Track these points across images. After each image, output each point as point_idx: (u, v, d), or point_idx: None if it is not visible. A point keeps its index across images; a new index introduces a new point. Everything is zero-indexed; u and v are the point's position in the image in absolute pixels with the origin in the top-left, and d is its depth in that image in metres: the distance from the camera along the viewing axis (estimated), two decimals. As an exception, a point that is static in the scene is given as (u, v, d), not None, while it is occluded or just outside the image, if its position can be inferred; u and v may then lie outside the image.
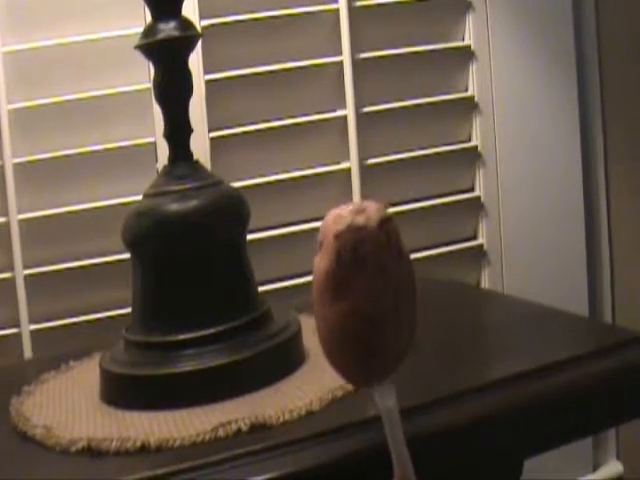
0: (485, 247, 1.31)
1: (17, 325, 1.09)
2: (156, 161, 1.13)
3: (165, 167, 0.84)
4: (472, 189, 1.31)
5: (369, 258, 0.59)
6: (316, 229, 1.17)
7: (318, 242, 0.61)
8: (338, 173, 1.22)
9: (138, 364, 0.79)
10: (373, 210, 0.60)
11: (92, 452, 0.70)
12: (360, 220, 0.59)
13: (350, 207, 0.60)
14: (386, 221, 0.60)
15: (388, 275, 0.60)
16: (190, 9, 1.09)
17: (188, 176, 0.82)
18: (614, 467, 1.40)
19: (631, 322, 1.35)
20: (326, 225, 0.60)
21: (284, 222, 1.20)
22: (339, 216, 0.60)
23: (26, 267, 1.09)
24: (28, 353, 1.09)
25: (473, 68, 1.28)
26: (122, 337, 0.83)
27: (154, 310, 0.81)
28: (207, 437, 0.69)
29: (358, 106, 1.22)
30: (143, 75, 1.10)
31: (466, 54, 1.28)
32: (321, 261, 0.60)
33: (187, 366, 0.77)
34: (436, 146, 1.28)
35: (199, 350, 0.78)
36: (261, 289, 0.88)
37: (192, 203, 0.80)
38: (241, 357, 0.78)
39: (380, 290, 0.59)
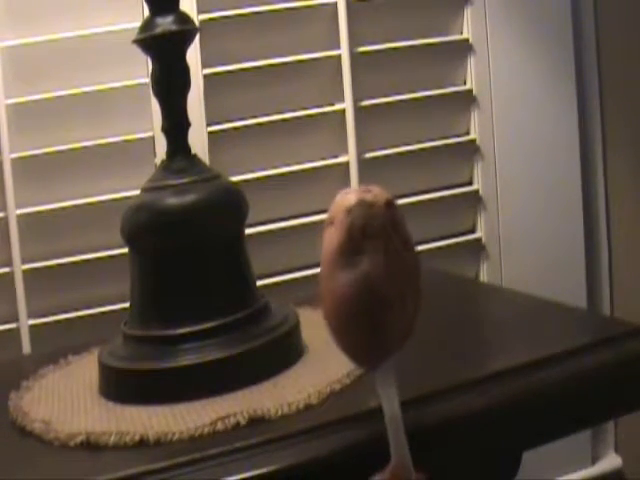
0: (483, 240, 1.31)
1: (16, 320, 1.09)
2: (154, 155, 1.13)
3: (163, 161, 0.84)
4: (470, 182, 1.31)
5: (378, 234, 0.61)
6: (315, 223, 1.18)
7: (327, 219, 0.63)
8: (336, 167, 1.22)
9: (136, 358, 0.79)
10: (380, 192, 0.63)
11: (91, 446, 0.70)
12: (369, 197, 0.62)
13: (359, 188, 0.64)
14: (392, 204, 0.63)
15: (395, 255, 0.62)
16: (188, 3, 1.09)
17: (186, 170, 0.82)
18: (613, 460, 1.40)
19: (629, 314, 1.35)
20: (337, 202, 0.63)
21: (282, 216, 1.20)
22: (349, 193, 0.63)
23: (25, 262, 1.09)
24: (27, 348, 1.09)
25: (471, 61, 1.28)
26: (121, 331, 0.83)
27: (152, 304, 0.81)
28: (205, 431, 0.69)
29: (356, 100, 1.22)
30: (141, 70, 1.10)
31: (464, 47, 1.28)
32: (331, 235, 0.62)
33: (185, 360, 0.77)
34: (434, 139, 1.28)
35: (197, 344, 0.78)
36: (259, 283, 0.88)
37: (190, 197, 0.80)
38: (239, 351, 0.78)
39: (388, 267, 0.61)
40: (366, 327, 0.61)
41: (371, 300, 0.61)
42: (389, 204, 0.63)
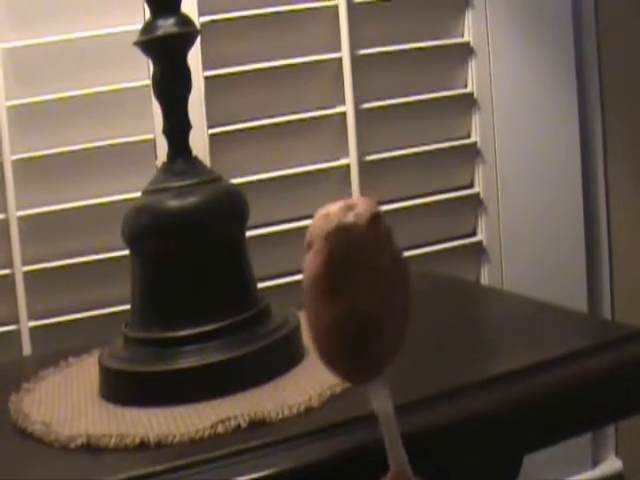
0: (484, 243, 1.31)
1: (16, 322, 1.09)
2: (155, 158, 1.13)
3: (164, 163, 0.84)
4: (471, 185, 1.31)
5: (361, 258, 0.58)
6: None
7: (306, 242, 0.60)
8: (337, 169, 1.22)
9: (137, 360, 0.79)
10: (362, 207, 0.58)
11: (91, 448, 0.70)
12: (349, 219, 0.58)
13: (339, 205, 0.59)
14: (376, 218, 0.58)
15: (381, 273, 0.59)
16: (189, 5, 1.09)
17: (187, 172, 0.82)
18: (613, 463, 1.40)
19: (630, 317, 1.35)
20: (315, 225, 0.59)
21: (283, 218, 1.20)
22: (328, 215, 0.59)
23: (25, 264, 1.09)
24: (27, 350, 1.09)
25: (472, 64, 1.28)
26: (121, 333, 0.83)
27: (153, 306, 0.81)
28: (206, 433, 0.69)
29: (357, 102, 1.22)
30: (142, 72, 1.10)
31: (465, 50, 1.28)
32: (312, 262, 0.59)
33: (186, 362, 0.77)
34: (435, 142, 1.28)
35: (198, 346, 0.78)
36: (260, 285, 0.88)
37: (191, 199, 0.80)
38: (240, 353, 0.78)
39: (373, 289, 0.58)
40: (352, 353, 0.59)
41: (355, 329, 0.58)
42: (373, 220, 0.58)
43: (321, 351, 0.61)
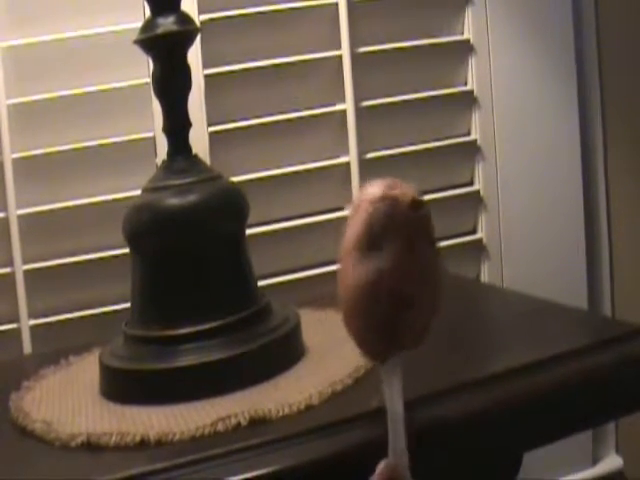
0: (484, 241, 1.31)
1: (16, 320, 1.09)
2: (155, 156, 1.13)
3: (164, 162, 0.84)
4: (471, 183, 1.31)
5: (400, 230, 0.61)
6: (316, 223, 1.18)
7: (353, 206, 0.63)
8: (337, 167, 1.22)
9: (137, 359, 0.79)
10: (407, 189, 0.62)
11: (92, 447, 0.70)
12: (395, 192, 0.61)
13: (388, 181, 0.63)
14: (419, 203, 0.62)
15: (415, 254, 0.61)
16: (189, 3, 1.09)
17: (187, 170, 0.82)
18: (614, 461, 1.40)
19: (630, 315, 1.35)
20: (363, 191, 0.63)
21: (283, 216, 1.20)
22: (376, 185, 0.62)
23: (25, 262, 1.09)
24: (27, 348, 1.09)
25: (472, 62, 1.28)
26: (122, 332, 0.83)
27: (153, 304, 0.81)
28: (206, 431, 0.69)
29: (357, 100, 1.22)
30: (142, 70, 1.10)
31: (465, 48, 1.28)
32: (354, 223, 0.62)
33: (186, 360, 0.77)
34: (435, 140, 1.28)
35: (198, 344, 0.78)
36: (260, 283, 0.88)
37: (191, 197, 0.80)
38: (240, 351, 0.78)
39: (405, 265, 0.61)
40: (373, 321, 0.61)
41: (381, 296, 0.60)
42: (415, 202, 0.62)
43: (347, 314, 0.63)
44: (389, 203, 0.61)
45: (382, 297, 0.60)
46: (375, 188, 0.62)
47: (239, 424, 0.70)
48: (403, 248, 0.61)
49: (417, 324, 0.62)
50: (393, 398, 0.61)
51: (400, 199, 0.61)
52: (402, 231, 0.61)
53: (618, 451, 1.41)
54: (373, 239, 0.61)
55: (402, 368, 0.62)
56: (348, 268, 0.62)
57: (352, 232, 0.62)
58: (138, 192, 0.84)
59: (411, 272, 0.61)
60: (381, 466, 0.60)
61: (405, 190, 0.62)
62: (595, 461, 1.39)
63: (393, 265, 0.60)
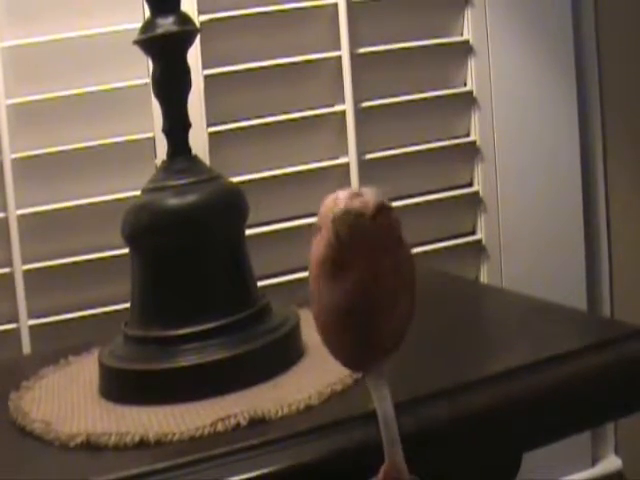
0: (484, 242, 1.31)
1: (16, 320, 1.09)
2: (155, 156, 1.13)
3: (164, 162, 0.84)
4: (471, 184, 1.31)
5: (366, 243, 0.59)
6: (315, 224, 1.18)
7: (316, 226, 0.61)
8: (337, 168, 1.22)
9: (137, 359, 0.79)
10: (370, 195, 0.60)
11: (91, 447, 0.70)
12: (357, 204, 0.59)
13: (347, 191, 0.61)
14: (383, 207, 0.60)
15: (385, 262, 0.60)
16: (189, 4, 1.09)
17: (186, 171, 0.82)
18: (613, 462, 1.40)
19: (630, 316, 1.35)
20: (323, 209, 0.61)
21: (283, 217, 1.20)
22: (336, 200, 0.60)
23: (25, 262, 1.09)
24: (27, 348, 1.09)
25: (472, 63, 1.28)
26: (121, 332, 0.83)
27: (153, 305, 0.81)
28: (206, 431, 0.69)
29: (357, 101, 1.22)
30: (142, 70, 1.10)
31: (465, 49, 1.28)
32: (319, 244, 0.60)
33: (186, 361, 0.77)
34: (435, 141, 1.28)
35: (198, 345, 0.78)
36: (260, 284, 0.88)
37: (190, 198, 0.80)
38: (240, 351, 0.78)
39: (376, 276, 0.59)
40: (353, 339, 0.60)
41: (356, 313, 0.59)
42: (380, 209, 0.60)
43: (322, 334, 0.62)
44: (352, 219, 0.59)
45: (357, 315, 0.60)
46: (335, 203, 0.60)
47: (239, 424, 0.70)
48: (372, 260, 0.59)
49: (395, 329, 0.61)
50: (383, 406, 0.61)
51: (363, 211, 0.59)
52: (369, 243, 0.59)
53: (617, 452, 1.41)
54: (340, 259, 0.59)
55: (386, 375, 0.62)
56: (318, 289, 0.61)
57: (318, 255, 0.60)
58: (138, 192, 0.84)
59: (383, 282, 0.59)
60: (379, 473, 0.60)
61: (367, 198, 0.60)
62: (594, 462, 1.39)
63: (363, 281, 0.59)
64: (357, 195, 0.60)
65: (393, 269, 0.61)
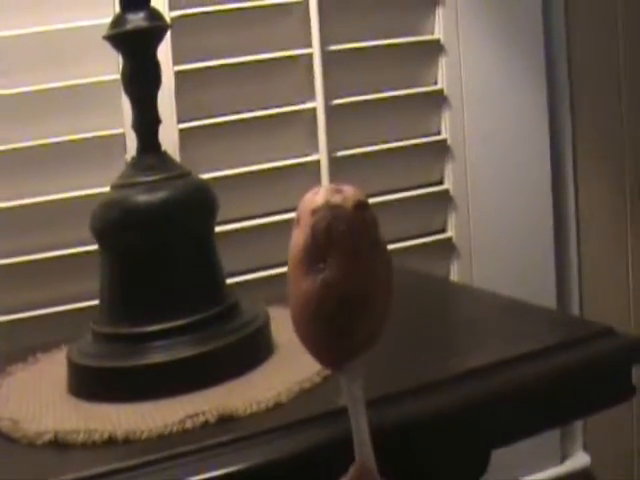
0: (454, 240, 1.31)
1: (-16, 317, 1.09)
2: (125, 152, 1.13)
3: (133, 158, 0.84)
4: (441, 182, 1.31)
5: (343, 238, 0.60)
6: (285, 221, 1.18)
7: (295, 218, 0.62)
8: (307, 165, 1.22)
9: (106, 356, 0.79)
10: (350, 192, 0.61)
11: (59, 444, 0.70)
12: (337, 199, 0.61)
13: (329, 187, 0.62)
14: (362, 205, 0.61)
15: (361, 258, 0.61)
16: (159, 0, 1.08)
17: (156, 167, 0.82)
18: (581, 458, 1.41)
19: (598, 314, 1.36)
20: (304, 202, 0.62)
21: (253, 214, 1.20)
22: (317, 194, 0.61)
23: (-7, 259, 1.08)
24: (-5, 345, 1.09)
25: (442, 61, 1.29)
26: (90, 329, 0.83)
27: (122, 302, 0.81)
28: (174, 429, 0.69)
29: (327, 98, 1.22)
30: (112, 66, 1.09)
31: (435, 47, 1.28)
32: (297, 236, 0.61)
33: (155, 358, 0.77)
34: (405, 139, 1.28)
35: (167, 342, 0.78)
36: (230, 281, 0.88)
37: (160, 194, 0.80)
38: (209, 349, 0.78)
39: (352, 271, 0.60)
40: (327, 331, 0.61)
41: (331, 306, 0.60)
42: (359, 205, 0.61)
43: (298, 326, 0.63)
44: (331, 212, 0.60)
45: (332, 308, 0.60)
46: (316, 197, 0.61)
47: (207, 422, 0.70)
48: (349, 255, 0.60)
49: (370, 327, 0.62)
50: (355, 404, 0.61)
51: (343, 205, 0.60)
52: (346, 238, 0.60)
53: (586, 449, 1.42)
54: (317, 251, 0.60)
55: (361, 374, 0.62)
56: (295, 283, 0.61)
57: (296, 246, 0.61)
58: (107, 189, 0.83)
59: (359, 277, 0.60)
60: (349, 472, 0.60)
61: (347, 194, 0.61)
62: (563, 459, 1.40)
63: (339, 274, 0.60)
64: (337, 191, 0.61)
65: (368, 266, 0.61)
